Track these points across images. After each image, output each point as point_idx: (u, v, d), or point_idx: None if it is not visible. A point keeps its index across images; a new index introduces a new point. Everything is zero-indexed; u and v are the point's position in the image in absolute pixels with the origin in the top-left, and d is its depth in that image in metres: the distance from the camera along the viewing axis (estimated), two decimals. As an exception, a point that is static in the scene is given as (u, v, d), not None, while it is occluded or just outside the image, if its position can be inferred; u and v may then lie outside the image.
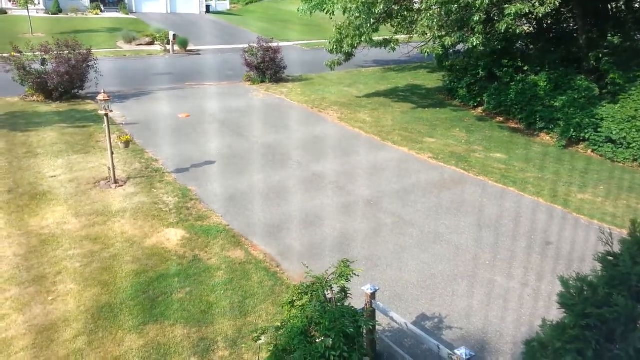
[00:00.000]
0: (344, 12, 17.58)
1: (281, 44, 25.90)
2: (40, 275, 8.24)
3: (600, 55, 17.55)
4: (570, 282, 3.58)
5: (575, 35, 19.56)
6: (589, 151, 16.06)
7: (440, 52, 17.40)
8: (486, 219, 11.06)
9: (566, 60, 18.69)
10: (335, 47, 18.34)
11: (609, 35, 17.89)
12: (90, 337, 6.99)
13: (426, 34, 16.46)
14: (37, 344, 6.80)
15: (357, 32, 17.17)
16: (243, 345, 6.91)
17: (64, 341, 6.85)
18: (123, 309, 7.59)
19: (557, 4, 14.67)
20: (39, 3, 36.38)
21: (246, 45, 23.03)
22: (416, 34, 17.23)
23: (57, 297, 7.76)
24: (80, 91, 18.70)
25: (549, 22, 20.62)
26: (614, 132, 15.40)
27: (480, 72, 20.09)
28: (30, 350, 6.70)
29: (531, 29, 20.93)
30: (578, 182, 13.46)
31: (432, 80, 25.19)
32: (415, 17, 17.02)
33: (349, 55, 19.10)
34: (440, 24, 15.76)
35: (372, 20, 16.81)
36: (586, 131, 16.01)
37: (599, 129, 15.83)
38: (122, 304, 7.68)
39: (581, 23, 18.53)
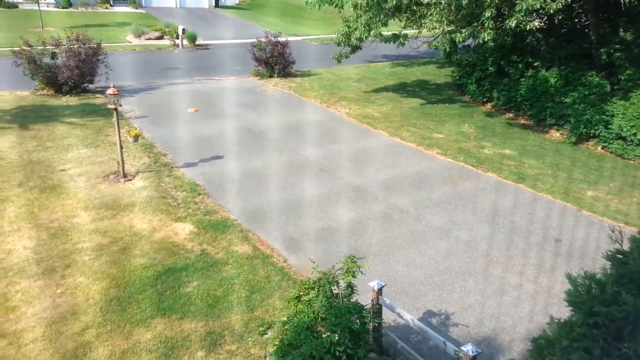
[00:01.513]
0: (354, 8, 17.52)
1: (290, 38, 25.84)
2: (50, 268, 8.32)
3: (612, 51, 17.35)
4: (578, 280, 3.55)
5: (587, 30, 19.35)
6: (599, 148, 15.91)
7: (449, 48, 17.32)
8: (495, 215, 11.00)
9: (577, 56, 18.49)
10: (342, 39, 18.33)
11: (622, 30, 17.66)
12: (99, 330, 7.05)
13: (435, 28, 16.35)
14: (46, 337, 6.87)
15: (366, 27, 17.11)
16: (250, 339, 6.94)
17: (73, 334, 6.91)
18: (131, 302, 7.64)
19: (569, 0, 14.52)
20: (49, -3, 36.59)
21: (255, 40, 22.99)
22: (425, 28, 17.13)
23: (66, 290, 7.83)
24: (90, 85, 18.78)
25: (560, 17, 20.40)
26: (625, 129, 15.24)
27: (490, 68, 19.95)
28: (40, 342, 6.77)
29: (542, 24, 20.73)
30: (588, 179, 13.36)
31: (441, 75, 25.06)
32: (425, 11, 16.91)
33: (355, 48, 19.05)
34: (449, 18, 15.65)
35: (382, 15, 16.72)
36: (596, 128, 15.86)
37: (610, 126, 15.68)
38: (131, 297, 7.73)
39: (593, 18, 18.32)
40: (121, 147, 11.48)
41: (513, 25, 14.88)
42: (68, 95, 18.10)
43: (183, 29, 29.55)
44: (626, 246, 3.63)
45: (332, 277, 5.81)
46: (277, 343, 5.55)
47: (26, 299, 7.59)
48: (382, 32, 18.01)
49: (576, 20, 20.66)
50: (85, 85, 18.63)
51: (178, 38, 29.43)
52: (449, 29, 15.68)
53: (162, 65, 24.59)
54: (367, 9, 16.73)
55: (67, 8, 38.72)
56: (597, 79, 16.85)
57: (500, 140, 16.13)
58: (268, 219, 10.37)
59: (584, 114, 16.03)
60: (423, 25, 17.29)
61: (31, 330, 6.97)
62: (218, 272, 8.48)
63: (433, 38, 17.26)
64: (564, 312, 3.90)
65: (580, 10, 19.92)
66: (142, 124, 15.46)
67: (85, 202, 10.54)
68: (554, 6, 14.36)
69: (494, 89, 19.57)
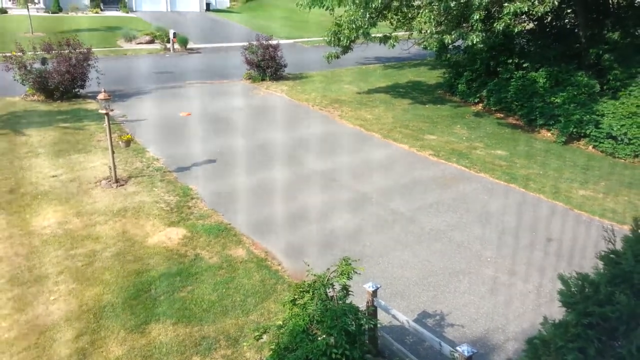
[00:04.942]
0: (339, 5, 17.57)
1: (281, 41, 25.87)
2: (42, 275, 8.25)
3: (601, 52, 17.50)
4: (571, 280, 3.57)
5: (576, 31, 19.51)
6: (590, 147, 16.03)
7: (436, 48, 17.45)
8: (487, 215, 11.05)
9: (566, 56, 18.64)
10: (332, 39, 18.33)
11: (610, 31, 17.84)
12: (93, 336, 7.00)
13: (424, 30, 16.42)
14: (39, 344, 6.82)
15: (353, 26, 17.16)
16: (245, 344, 6.91)
17: (66, 341, 6.85)
18: (125, 308, 7.60)
19: (556, 3, 14.62)
20: (38, 2, 36.25)
21: (246, 43, 22.98)
22: (415, 30, 17.21)
23: (59, 296, 7.77)
24: (81, 90, 18.67)
25: (549, 18, 20.56)
26: (615, 128, 15.37)
27: (479, 69, 20.07)
28: (33, 350, 6.71)
29: (531, 25, 20.88)
30: (579, 178, 13.45)
31: (432, 76, 25.16)
32: (416, 12, 16.98)
33: (346, 49, 19.06)
34: (438, 20, 15.73)
35: (368, 15, 16.78)
36: (587, 127, 15.98)
37: (600, 125, 15.80)
38: (124, 303, 7.69)
39: (582, 19, 18.48)
40: (113, 152, 11.42)
41: (501, 28, 14.98)
42: (59, 101, 17.98)
43: (174, 33, 29.48)
44: (619, 245, 3.66)
45: (327, 280, 5.81)
46: (272, 347, 5.54)
47: (19, 306, 7.52)
48: (373, 34, 18.06)
49: (565, 20, 20.84)
50: (77, 90, 18.52)
51: (169, 42, 29.36)
52: (437, 30, 15.77)
53: (154, 69, 24.50)
54: (355, 7, 16.81)
55: (57, 13, 38.50)
56: (586, 79, 16.99)
57: (492, 140, 16.21)
58: (262, 222, 10.35)
59: (573, 113, 16.16)
60: (412, 26, 17.37)
61: (24, 338, 6.91)
62: (212, 276, 8.45)
63: (423, 40, 17.35)
64: (558, 311, 3.92)
65: (569, 11, 20.08)
66: (133, 129, 15.39)
67: (77, 208, 10.47)
68: (542, 9, 14.47)
69: (484, 90, 19.69)
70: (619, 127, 15.31)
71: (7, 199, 10.75)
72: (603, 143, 15.69)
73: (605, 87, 17.14)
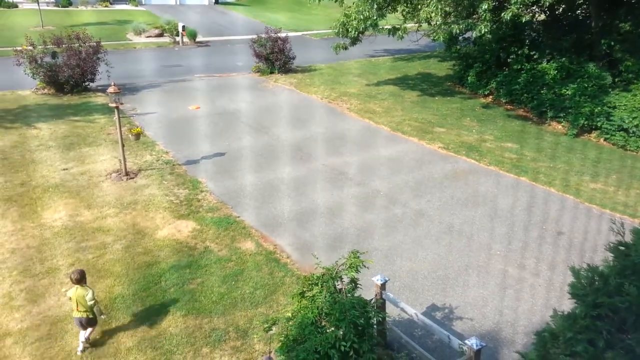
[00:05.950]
0: None
1: (290, 34, 25.79)
2: (54, 267, 8.35)
3: (613, 43, 17.27)
4: (581, 272, 3.55)
5: (587, 21, 19.26)
6: (601, 140, 15.86)
7: (445, 39, 17.29)
8: (498, 209, 11.00)
9: (578, 47, 18.41)
10: (340, 30, 18.21)
11: (622, 21, 17.58)
12: (104, 327, 7.08)
13: (432, 19, 16.29)
14: (51, 335, 6.91)
15: (362, 17, 17.04)
16: (254, 336, 6.97)
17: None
18: (136, 300, 7.67)
19: None
20: (48, -4, 36.50)
21: (255, 36, 22.93)
22: (422, 20, 17.06)
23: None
24: (91, 84, 18.77)
25: (561, 9, 20.30)
26: (627, 121, 15.20)
27: (489, 60, 19.90)
28: (45, 341, 6.81)
29: (542, 16, 20.64)
30: (590, 171, 13.34)
31: (442, 69, 24.99)
32: (424, 3, 16.83)
33: (355, 40, 18.94)
34: (447, 10, 15.59)
35: (376, 5, 16.66)
36: (598, 120, 15.81)
37: (612, 118, 15.62)
38: (135, 295, 7.76)
39: (594, 9, 18.24)
40: (123, 145, 11.49)
41: (508, 18, 14.84)
42: (69, 94, 18.09)
43: (183, 26, 29.48)
44: (628, 238, 3.63)
45: (336, 273, 5.81)
46: (282, 339, 5.57)
47: (31, 297, 7.62)
48: (382, 25, 17.93)
49: (578, 11, 20.56)
50: (87, 83, 18.62)
51: (178, 35, 29.37)
52: (445, 20, 15.63)
53: (163, 62, 24.55)
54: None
55: (67, 7, 38.66)
56: (598, 70, 16.78)
57: (502, 133, 16.09)
58: (271, 215, 10.38)
59: (584, 106, 15.99)
60: (420, 17, 17.19)
61: (36, 328, 7.00)
62: (222, 269, 8.50)
63: (432, 31, 17.20)
64: (567, 304, 3.91)
65: (581, 1, 19.81)
66: (143, 122, 15.46)
67: (88, 201, 10.56)
68: None
69: (494, 81, 19.53)
70: (630, 119, 15.14)
71: (19, 191, 10.86)
72: (615, 136, 15.52)
73: (617, 79, 16.91)
